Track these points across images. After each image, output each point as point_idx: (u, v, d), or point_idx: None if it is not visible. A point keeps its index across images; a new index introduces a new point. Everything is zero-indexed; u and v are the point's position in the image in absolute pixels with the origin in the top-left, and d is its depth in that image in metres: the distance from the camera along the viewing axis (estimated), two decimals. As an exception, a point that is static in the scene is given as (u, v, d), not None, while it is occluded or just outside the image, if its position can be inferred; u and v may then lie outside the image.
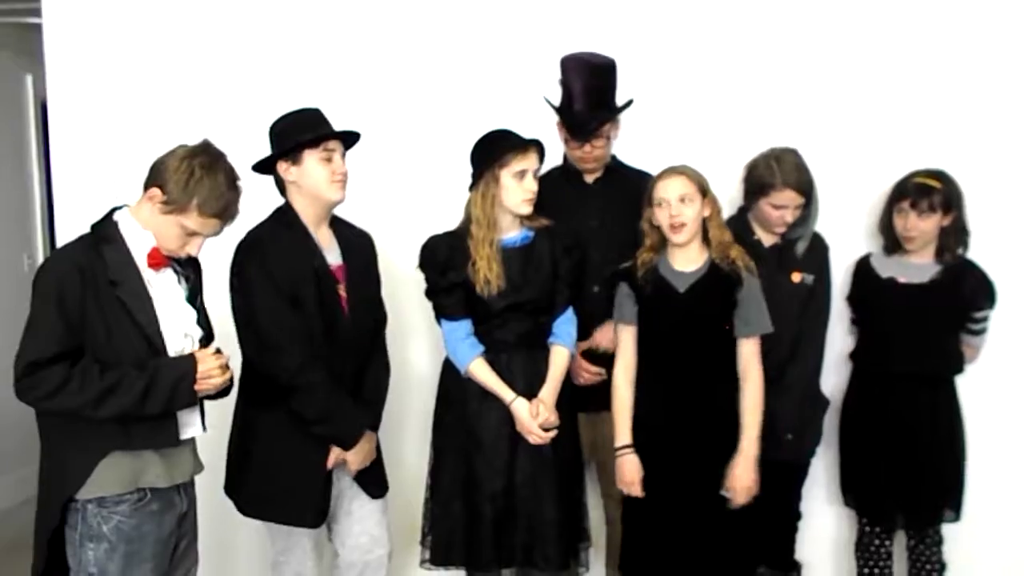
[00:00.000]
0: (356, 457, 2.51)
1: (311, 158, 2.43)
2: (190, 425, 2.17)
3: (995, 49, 3.02)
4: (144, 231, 2.11)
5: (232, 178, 2.11)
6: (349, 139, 2.53)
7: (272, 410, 2.45)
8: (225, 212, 2.10)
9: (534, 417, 2.51)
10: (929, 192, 2.75)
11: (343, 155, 2.49)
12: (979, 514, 3.01)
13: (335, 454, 2.48)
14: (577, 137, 2.74)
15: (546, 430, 2.52)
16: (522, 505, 2.52)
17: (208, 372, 2.08)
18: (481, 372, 2.55)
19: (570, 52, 2.77)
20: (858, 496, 2.93)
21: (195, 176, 2.04)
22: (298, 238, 2.46)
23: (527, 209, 2.51)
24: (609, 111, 2.75)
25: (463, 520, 2.54)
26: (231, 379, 2.19)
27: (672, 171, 2.53)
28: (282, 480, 2.46)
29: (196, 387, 2.07)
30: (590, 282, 2.74)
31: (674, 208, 2.48)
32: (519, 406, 2.52)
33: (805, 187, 2.74)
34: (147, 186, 2.10)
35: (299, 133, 2.43)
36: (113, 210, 2.15)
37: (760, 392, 2.54)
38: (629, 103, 2.77)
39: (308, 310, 2.41)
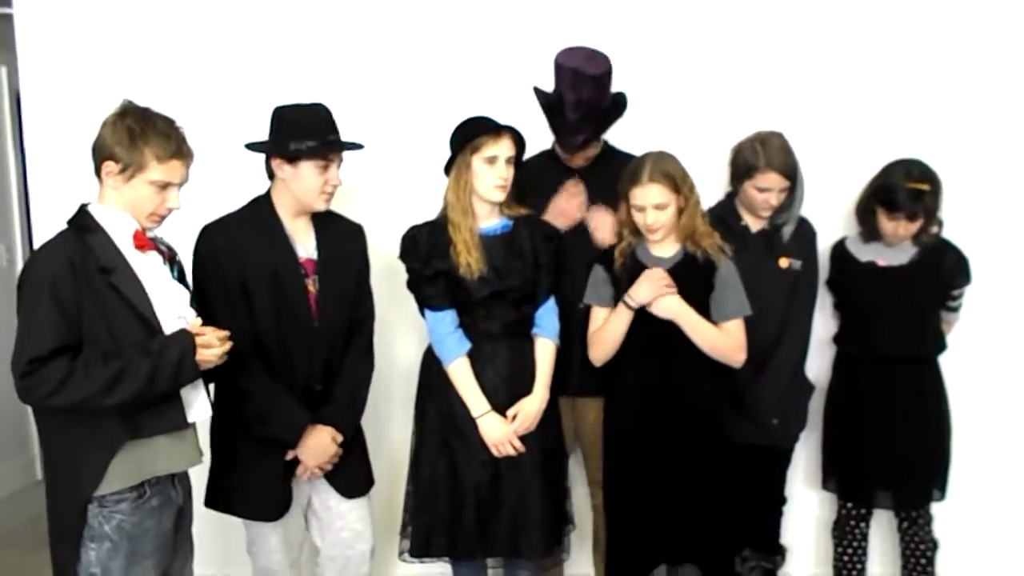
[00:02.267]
0: (307, 456, 2.47)
1: (308, 165, 2.39)
2: (196, 406, 2.16)
3: (972, 36, 3.03)
4: (121, 214, 2.09)
5: (168, 120, 2.12)
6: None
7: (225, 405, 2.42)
8: (180, 151, 2.10)
9: (509, 423, 2.50)
10: (921, 197, 2.71)
11: (340, 163, 2.46)
12: (968, 492, 3.05)
13: (301, 462, 2.47)
14: (567, 148, 2.72)
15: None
16: (507, 495, 2.51)
17: (207, 342, 2.07)
18: (460, 374, 2.52)
19: (565, 48, 2.71)
20: (840, 479, 2.95)
21: (135, 131, 2.06)
22: (262, 228, 2.43)
23: (499, 196, 2.48)
24: (601, 122, 2.71)
25: (445, 511, 2.53)
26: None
27: (647, 178, 2.49)
28: (242, 475, 2.45)
29: (197, 358, 2.06)
30: (574, 275, 2.68)
31: (650, 216, 2.50)
32: (487, 421, 2.50)
33: (789, 170, 2.73)
34: (98, 170, 2.10)
35: (303, 137, 2.38)
36: (84, 205, 2.13)
37: (720, 340, 2.53)
38: (621, 111, 2.74)
39: (259, 301, 2.39)
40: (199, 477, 2.41)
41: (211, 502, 2.53)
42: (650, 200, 2.49)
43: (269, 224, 2.44)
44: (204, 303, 2.34)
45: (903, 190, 2.70)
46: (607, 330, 2.57)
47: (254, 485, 2.46)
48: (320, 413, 2.49)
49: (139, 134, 2.05)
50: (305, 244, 2.49)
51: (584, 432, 2.84)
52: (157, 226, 2.16)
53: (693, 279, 2.53)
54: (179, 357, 2.04)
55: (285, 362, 2.44)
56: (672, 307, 2.50)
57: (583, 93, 2.64)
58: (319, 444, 2.47)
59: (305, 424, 2.45)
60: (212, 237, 2.43)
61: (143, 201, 2.09)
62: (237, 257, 2.38)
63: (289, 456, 2.46)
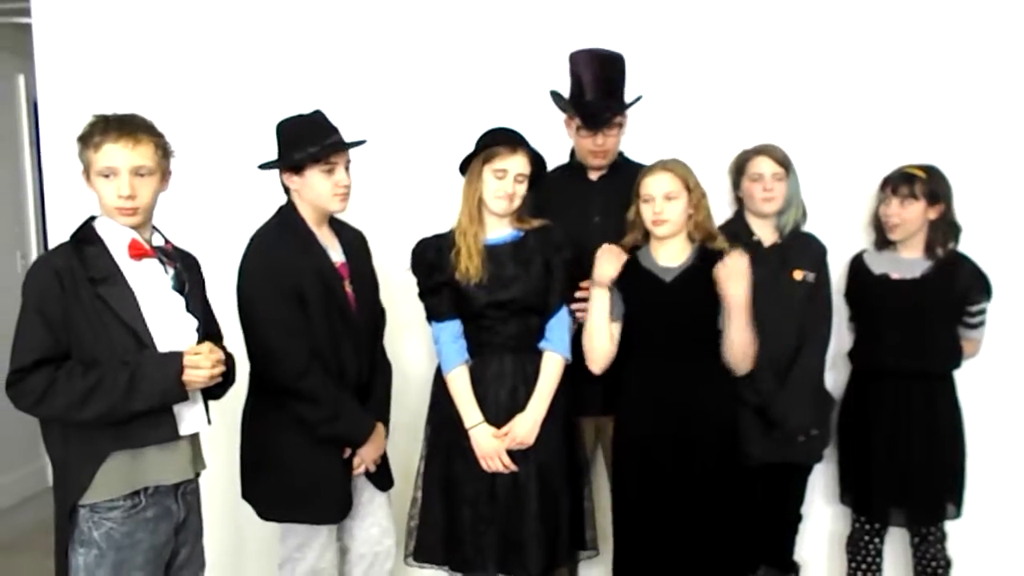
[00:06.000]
0: (370, 452, 2.52)
1: (313, 171, 2.41)
2: (190, 419, 2.15)
3: (990, 47, 3.01)
4: (115, 223, 2.10)
5: (113, 114, 2.11)
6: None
7: (282, 413, 2.44)
8: (111, 134, 2.06)
9: (500, 438, 2.49)
10: (911, 180, 2.77)
11: (348, 165, 2.47)
12: (982, 510, 3.01)
13: (359, 456, 2.51)
14: (591, 127, 2.72)
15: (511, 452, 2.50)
16: (501, 513, 2.50)
17: (196, 363, 2.06)
18: (457, 383, 2.54)
19: (577, 49, 2.76)
20: (854, 494, 2.93)
21: (81, 133, 2.09)
22: (301, 237, 2.46)
23: (501, 206, 2.49)
24: (622, 101, 2.74)
25: (443, 521, 2.55)
26: (226, 375, 2.17)
27: (660, 167, 2.52)
28: (302, 480, 2.45)
29: (184, 378, 2.05)
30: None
31: (658, 205, 2.49)
32: (478, 434, 2.51)
33: (779, 155, 2.79)
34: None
35: (302, 145, 2.40)
36: (91, 218, 2.15)
37: (747, 341, 2.52)
38: (639, 97, 2.76)
39: (314, 309, 2.40)
40: (214, 491, 2.41)
41: (269, 514, 2.52)
42: (660, 188, 2.49)
43: (304, 232, 2.47)
44: (259, 321, 2.38)
45: (896, 172, 2.82)
46: (588, 320, 2.57)
47: (318, 488, 2.46)
48: (368, 408, 2.54)
49: (84, 135, 2.09)
50: (335, 249, 2.53)
51: (607, 448, 2.80)
52: (132, 218, 2.10)
53: (703, 285, 2.51)
54: (162, 378, 2.03)
55: (339, 364, 2.46)
56: (741, 295, 2.48)
57: (601, 70, 2.70)
58: (378, 439, 2.54)
59: (374, 422, 2.52)
60: (261, 250, 2.43)
61: (103, 196, 2.09)
62: (290, 266, 2.39)
63: (347, 454, 2.50)
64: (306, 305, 2.40)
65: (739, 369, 2.56)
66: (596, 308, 2.57)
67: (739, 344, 2.51)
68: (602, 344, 2.57)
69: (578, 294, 2.65)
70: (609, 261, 2.54)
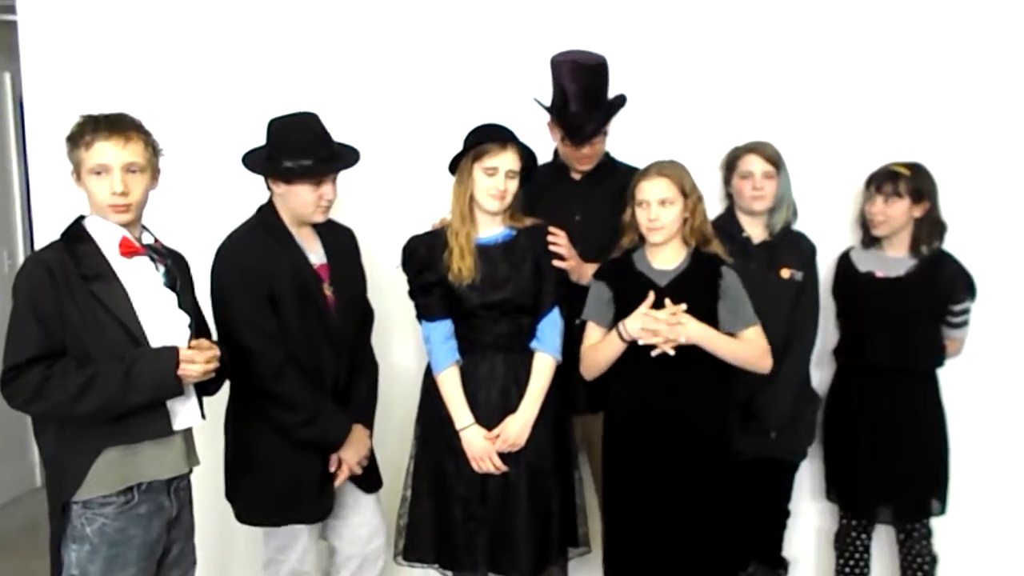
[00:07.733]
0: (351, 454, 2.51)
1: (301, 182, 2.40)
2: (183, 414, 2.16)
3: (976, 45, 3.03)
4: (106, 222, 2.11)
5: (101, 114, 2.13)
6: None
7: (260, 415, 2.43)
8: (102, 132, 2.07)
9: (491, 440, 2.49)
10: (895, 177, 2.78)
11: (335, 176, 2.46)
12: (967, 506, 3.03)
13: (335, 457, 2.49)
14: (575, 140, 2.72)
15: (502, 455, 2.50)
16: (492, 513, 2.50)
17: (191, 357, 2.06)
18: (448, 384, 2.53)
19: (560, 52, 2.74)
20: (840, 491, 2.95)
21: (70, 134, 2.11)
22: (278, 238, 2.44)
23: (493, 204, 2.47)
24: (606, 112, 2.72)
25: (433, 520, 2.55)
26: (220, 371, 2.17)
27: (656, 172, 2.50)
28: (278, 482, 2.44)
29: (179, 372, 2.05)
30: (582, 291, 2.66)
31: (653, 212, 2.47)
32: (469, 435, 2.50)
33: (769, 152, 2.81)
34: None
35: (294, 154, 2.37)
36: (80, 217, 2.15)
37: (745, 350, 2.49)
38: (623, 102, 2.75)
39: (288, 311, 2.39)
40: (203, 489, 2.41)
41: (245, 516, 2.51)
42: (655, 194, 2.47)
43: (282, 234, 2.45)
44: (232, 321, 2.37)
45: (881, 169, 2.83)
46: (600, 352, 2.53)
47: (294, 488, 2.45)
48: (348, 411, 2.53)
49: (73, 135, 2.10)
50: (315, 251, 2.51)
51: (594, 447, 2.80)
52: (124, 215, 2.11)
53: (698, 289, 2.50)
54: (158, 372, 2.04)
55: (315, 367, 2.46)
56: (694, 334, 2.42)
57: (584, 82, 2.67)
58: (359, 441, 2.53)
59: (351, 424, 2.50)
60: (234, 251, 2.42)
61: (94, 194, 2.10)
62: (263, 268, 2.38)
63: (333, 460, 2.49)
64: (280, 307, 2.39)
65: (760, 371, 2.54)
66: (608, 349, 2.49)
67: (736, 360, 2.49)
68: (604, 370, 2.54)
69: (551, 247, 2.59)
70: (641, 320, 2.41)
